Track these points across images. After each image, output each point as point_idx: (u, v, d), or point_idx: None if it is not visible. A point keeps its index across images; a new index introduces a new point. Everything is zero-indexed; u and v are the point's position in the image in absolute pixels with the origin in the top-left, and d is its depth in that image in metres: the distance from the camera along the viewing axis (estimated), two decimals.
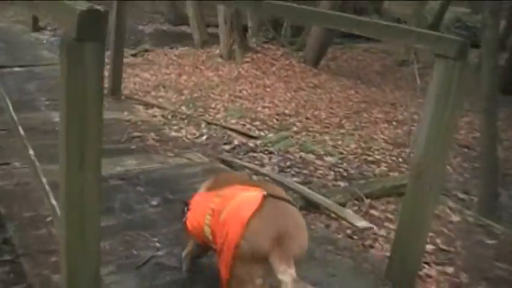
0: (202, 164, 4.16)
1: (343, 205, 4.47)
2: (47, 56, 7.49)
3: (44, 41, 8.28)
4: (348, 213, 4.27)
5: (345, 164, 5.89)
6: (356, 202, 4.63)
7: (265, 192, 2.39)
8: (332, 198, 4.38)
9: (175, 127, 6.28)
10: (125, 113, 5.31)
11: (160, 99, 7.29)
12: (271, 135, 6.51)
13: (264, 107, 7.65)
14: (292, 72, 9.81)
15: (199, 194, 2.81)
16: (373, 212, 4.55)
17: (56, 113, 5.00)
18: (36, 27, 8.77)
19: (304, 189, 4.37)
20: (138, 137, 4.61)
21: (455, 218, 4.69)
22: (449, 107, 2.80)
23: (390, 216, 4.48)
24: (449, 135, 2.96)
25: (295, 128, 6.90)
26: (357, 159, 6.12)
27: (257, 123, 6.88)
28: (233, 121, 6.85)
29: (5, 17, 12.88)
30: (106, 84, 6.07)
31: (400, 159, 6.32)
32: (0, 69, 6.47)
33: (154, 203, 3.70)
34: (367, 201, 4.67)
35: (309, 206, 4.34)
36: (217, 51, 10.25)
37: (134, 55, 9.80)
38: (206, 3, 10.84)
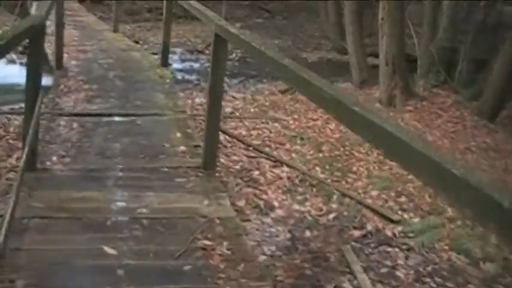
0: None
1: None
2: (159, 102, 6.27)
3: (168, 80, 7.39)
4: None
5: (507, 279, 4.49)
6: None
7: None
8: None
9: (300, 197, 5.30)
10: (206, 202, 3.95)
11: (293, 155, 6.33)
12: (416, 219, 5.25)
13: None
14: (461, 127, 8.31)
15: None
16: None
17: (121, 192, 4.01)
18: (165, 62, 7.85)
19: None
20: (203, 249, 3.40)
21: None
22: None
23: None
24: None
25: (450, 212, 5.54)
26: None
27: (403, 199, 5.62)
28: (374, 193, 5.67)
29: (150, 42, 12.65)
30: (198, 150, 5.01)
31: None
32: (98, 117, 5.45)
33: None
34: None
35: None
36: (377, 94, 9.05)
37: (283, 92, 8.91)
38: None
